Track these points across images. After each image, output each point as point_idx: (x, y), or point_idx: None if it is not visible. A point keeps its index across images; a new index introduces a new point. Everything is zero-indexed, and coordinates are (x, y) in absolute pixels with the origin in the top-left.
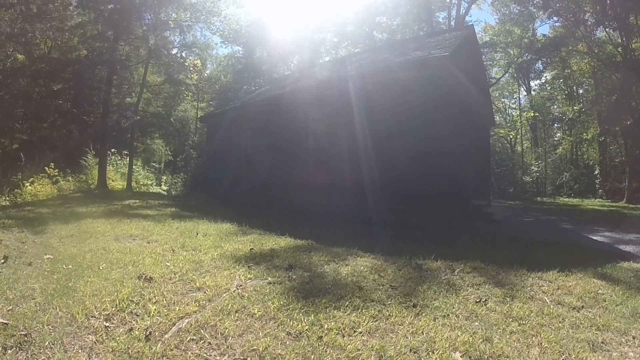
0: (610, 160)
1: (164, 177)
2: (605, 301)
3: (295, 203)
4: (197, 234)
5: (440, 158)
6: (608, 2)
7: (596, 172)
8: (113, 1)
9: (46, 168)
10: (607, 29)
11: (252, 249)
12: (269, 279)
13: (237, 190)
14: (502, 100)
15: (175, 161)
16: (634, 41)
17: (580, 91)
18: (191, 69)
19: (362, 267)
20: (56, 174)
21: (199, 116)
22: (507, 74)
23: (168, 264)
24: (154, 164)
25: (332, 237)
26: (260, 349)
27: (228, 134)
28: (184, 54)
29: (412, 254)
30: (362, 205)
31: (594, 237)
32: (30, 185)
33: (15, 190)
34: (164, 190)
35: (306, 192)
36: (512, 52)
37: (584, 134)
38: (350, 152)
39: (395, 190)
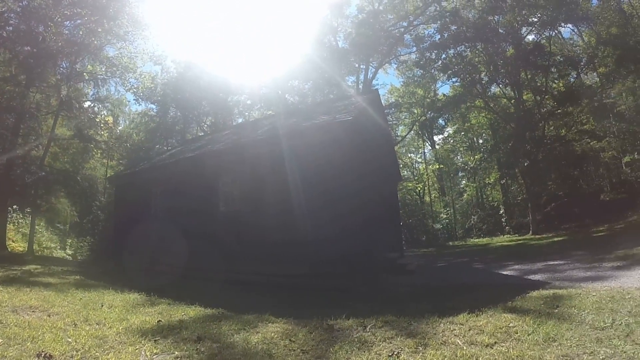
0: (513, 199)
1: (69, 240)
2: (517, 333)
3: (209, 270)
4: (102, 306)
5: (349, 217)
6: (500, 62)
7: (501, 211)
8: (30, 44)
9: None
10: (500, 85)
11: (160, 320)
12: (176, 353)
13: (148, 256)
14: (409, 155)
15: (82, 223)
16: (524, 94)
17: (480, 141)
18: (102, 125)
19: (273, 334)
20: None
21: (108, 175)
22: (412, 131)
23: (70, 339)
24: (58, 225)
25: (246, 305)
26: None
27: (137, 196)
28: (96, 109)
29: (325, 316)
30: (278, 270)
31: (504, 272)
32: None
33: None
34: (69, 255)
35: (220, 259)
36: (416, 111)
37: (487, 179)
38: (264, 217)
39: (309, 253)
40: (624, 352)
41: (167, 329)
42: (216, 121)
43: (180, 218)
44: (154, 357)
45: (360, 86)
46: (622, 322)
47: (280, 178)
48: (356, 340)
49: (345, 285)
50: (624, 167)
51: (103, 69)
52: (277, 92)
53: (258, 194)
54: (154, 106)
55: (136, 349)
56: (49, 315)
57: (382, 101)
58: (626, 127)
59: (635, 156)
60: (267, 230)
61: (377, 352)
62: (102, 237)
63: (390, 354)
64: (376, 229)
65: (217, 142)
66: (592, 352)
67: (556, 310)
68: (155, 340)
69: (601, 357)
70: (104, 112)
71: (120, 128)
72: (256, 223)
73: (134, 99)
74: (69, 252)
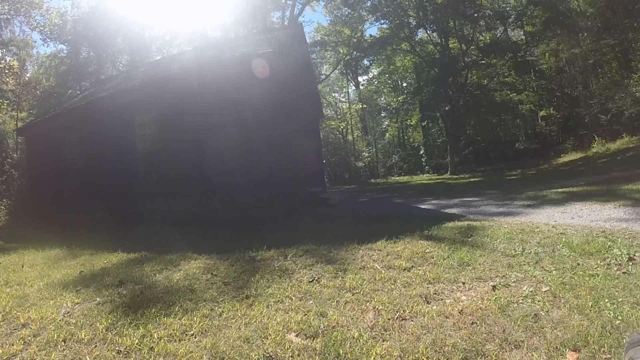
0: (433, 141)
1: None
2: (433, 258)
3: (130, 214)
4: (23, 266)
5: (272, 152)
6: (430, 8)
7: (421, 152)
8: None
9: None
10: (428, 31)
11: (82, 271)
12: (98, 299)
13: (68, 210)
14: (333, 94)
15: None
16: (451, 41)
17: (404, 84)
18: (7, 71)
19: (195, 270)
20: None
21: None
22: (336, 71)
23: None
24: None
25: (168, 245)
26: None
27: (52, 147)
28: None
29: (247, 248)
30: (201, 207)
31: (423, 206)
32: None
33: None
34: None
35: (141, 201)
36: (341, 51)
37: (409, 121)
38: (183, 154)
39: (231, 187)
40: (534, 277)
41: (89, 278)
42: (132, 59)
43: (99, 164)
44: (76, 307)
45: (286, 22)
46: (531, 251)
47: (199, 114)
48: (277, 269)
49: (268, 218)
50: (539, 120)
51: (5, 8)
52: (198, 27)
53: (177, 131)
54: (64, 46)
55: (57, 302)
56: None
57: (308, 39)
58: (545, 84)
59: (551, 111)
60: (188, 169)
61: (298, 279)
62: (19, 197)
63: (310, 280)
64: (298, 164)
65: (133, 80)
66: (504, 276)
67: (470, 239)
68: (77, 291)
69: (512, 280)
70: (8, 57)
71: (28, 74)
72: (177, 162)
73: (41, 40)
74: None
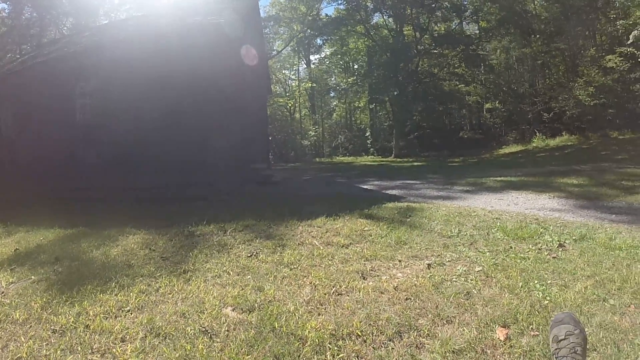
0: (379, 123)
1: None
2: (371, 236)
3: (69, 190)
4: None
5: (217, 127)
6: None
7: (367, 133)
8: None
9: None
10: (384, 16)
11: (17, 249)
12: (33, 277)
13: (1, 186)
14: (283, 71)
15: None
16: (406, 28)
17: (355, 66)
18: None
19: (133, 245)
20: None
21: None
22: (289, 48)
23: None
24: None
25: (107, 220)
26: (25, 355)
27: None
28: None
29: (187, 223)
30: (143, 183)
31: (365, 186)
32: None
33: None
34: None
35: (80, 177)
36: (295, 28)
37: (357, 102)
38: (125, 128)
39: (174, 163)
40: (468, 257)
41: (25, 255)
42: (78, 23)
43: (36, 136)
44: (10, 286)
45: None
46: (467, 233)
47: (145, 85)
48: (216, 243)
49: (210, 195)
50: (484, 112)
51: None
52: None
53: (120, 103)
54: (5, 5)
55: None
56: None
57: (263, 13)
58: (493, 78)
59: (496, 104)
60: (129, 143)
61: (237, 254)
62: None
63: (249, 255)
64: (244, 140)
65: (76, 44)
66: (439, 255)
67: (408, 219)
68: (11, 270)
69: (447, 260)
70: None
71: None
72: (118, 135)
73: None
74: None
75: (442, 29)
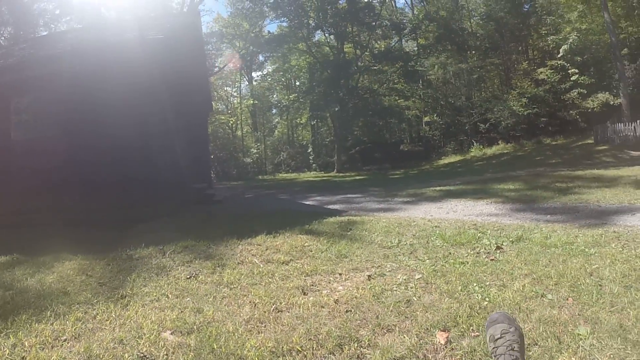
0: (321, 139)
1: None
2: (312, 251)
3: (1, 214)
4: None
5: (158, 146)
6: (330, 12)
7: (310, 150)
8: None
9: None
10: (326, 33)
11: None
12: None
13: None
14: (225, 88)
15: None
16: (346, 45)
17: (297, 83)
18: None
19: (69, 271)
20: None
21: None
22: (231, 64)
23: None
24: None
25: (42, 247)
26: None
27: None
28: None
29: (125, 246)
30: (80, 205)
31: (307, 202)
32: None
33: None
34: None
35: (15, 198)
36: (238, 44)
37: (299, 119)
38: (60, 146)
39: (113, 185)
40: (408, 266)
41: None
42: (16, 33)
43: None
44: None
45: (186, 9)
46: (407, 243)
47: (82, 101)
48: (155, 266)
49: (150, 216)
50: (423, 125)
51: None
52: (92, 4)
53: (56, 120)
54: None
55: None
56: None
57: (206, 29)
58: (431, 92)
59: (435, 117)
60: (66, 163)
61: (176, 276)
62: None
63: (188, 277)
64: (185, 159)
65: (11, 56)
66: (379, 266)
67: (349, 233)
68: None
69: (387, 270)
70: None
71: None
72: (53, 155)
73: None
74: None
75: (382, 46)
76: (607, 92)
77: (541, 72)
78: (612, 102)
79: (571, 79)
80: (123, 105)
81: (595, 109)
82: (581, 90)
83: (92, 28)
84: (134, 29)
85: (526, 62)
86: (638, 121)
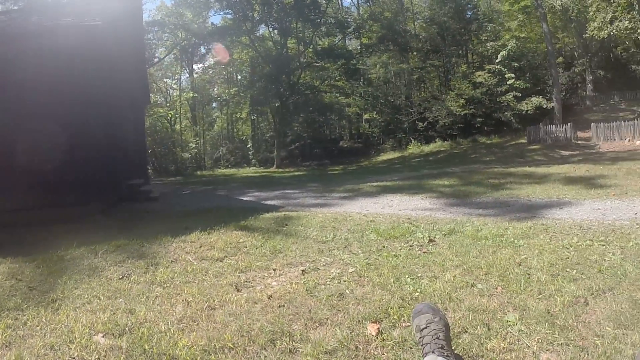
0: (261, 135)
1: None
2: (246, 247)
3: None
4: None
5: (88, 139)
6: (276, 6)
7: (249, 145)
8: None
9: None
10: (270, 28)
11: None
12: None
13: None
14: (165, 80)
15: None
16: (290, 41)
17: (239, 77)
18: None
19: None
20: None
21: None
22: (172, 55)
23: None
24: None
25: None
26: None
27: None
28: None
29: (55, 248)
30: (3, 204)
31: (244, 198)
32: None
33: None
34: None
35: None
36: (180, 35)
37: (239, 114)
38: None
39: (39, 181)
40: (342, 260)
41: None
42: None
43: None
44: None
45: None
46: (341, 237)
47: (8, 91)
48: (87, 267)
49: (82, 214)
50: (363, 122)
51: None
52: None
53: None
54: None
55: None
56: None
57: (148, 17)
58: (372, 91)
59: (374, 115)
60: None
61: (108, 277)
62: None
63: (121, 277)
64: (119, 154)
65: None
66: (314, 260)
67: (285, 228)
68: None
69: (322, 264)
70: None
71: None
72: None
73: None
74: None
75: (326, 43)
76: (540, 97)
77: (479, 75)
78: (545, 106)
79: (507, 82)
80: (51, 96)
81: (529, 112)
82: (516, 93)
83: (22, 11)
84: (71, 14)
85: (465, 65)
86: (569, 123)
